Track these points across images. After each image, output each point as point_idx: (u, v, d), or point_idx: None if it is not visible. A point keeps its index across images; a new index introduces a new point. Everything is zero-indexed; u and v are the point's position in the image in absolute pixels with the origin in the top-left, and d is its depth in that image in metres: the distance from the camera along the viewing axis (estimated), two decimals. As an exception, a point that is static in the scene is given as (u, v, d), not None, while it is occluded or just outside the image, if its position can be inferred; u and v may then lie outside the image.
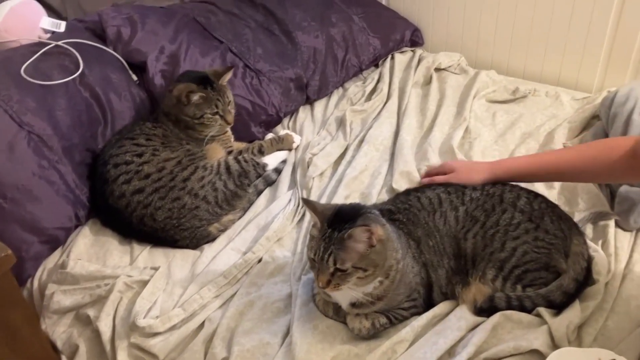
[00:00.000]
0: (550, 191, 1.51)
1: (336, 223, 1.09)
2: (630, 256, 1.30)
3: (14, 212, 1.41)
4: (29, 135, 1.47)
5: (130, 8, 1.94)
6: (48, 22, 1.79)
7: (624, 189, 1.40)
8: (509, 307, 1.16)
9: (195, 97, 1.60)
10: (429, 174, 1.46)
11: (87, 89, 1.66)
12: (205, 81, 1.63)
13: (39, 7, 1.82)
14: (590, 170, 1.24)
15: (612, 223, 1.37)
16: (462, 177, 1.34)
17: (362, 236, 1.06)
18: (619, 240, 1.33)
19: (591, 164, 1.20)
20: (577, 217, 1.40)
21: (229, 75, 1.69)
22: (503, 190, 1.28)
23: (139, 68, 1.82)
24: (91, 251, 1.51)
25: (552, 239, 1.21)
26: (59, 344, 1.34)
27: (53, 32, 1.79)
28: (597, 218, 1.41)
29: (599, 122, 1.73)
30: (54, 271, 1.46)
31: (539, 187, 1.47)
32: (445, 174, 1.39)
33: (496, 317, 1.14)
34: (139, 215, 1.49)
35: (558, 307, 1.16)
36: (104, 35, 1.84)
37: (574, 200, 1.47)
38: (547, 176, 1.38)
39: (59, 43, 1.70)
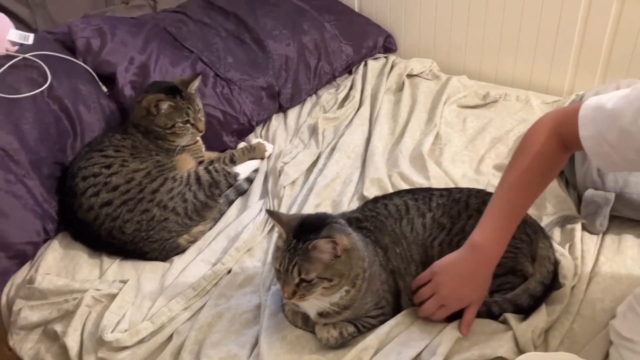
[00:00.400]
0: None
1: (301, 234, 1.09)
2: (597, 259, 1.31)
3: (-21, 228, 1.39)
4: (-5, 149, 1.46)
5: (100, 19, 1.93)
6: (16, 35, 1.77)
7: (589, 192, 1.41)
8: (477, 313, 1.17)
9: (165, 107, 1.60)
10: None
11: (55, 101, 1.64)
12: (173, 91, 1.62)
13: (6, 20, 1.80)
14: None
15: (579, 227, 1.38)
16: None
17: (325, 247, 1.05)
18: (586, 243, 1.35)
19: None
20: (545, 221, 1.42)
21: (196, 83, 1.69)
22: (469, 196, 1.28)
23: (109, 79, 1.80)
24: (60, 265, 1.50)
25: (517, 243, 1.21)
26: (27, 361, 1.33)
27: (21, 45, 1.78)
28: (564, 222, 1.42)
29: (566, 125, 1.74)
30: (22, 287, 1.44)
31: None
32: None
33: (462, 325, 1.15)
34: (107, 228, 1.48)
35: (525, 311, 1.17)
36: (74, 47, 1.83)
37: (542, 204, 1.48)
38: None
39: (27, 55, 1.68)
